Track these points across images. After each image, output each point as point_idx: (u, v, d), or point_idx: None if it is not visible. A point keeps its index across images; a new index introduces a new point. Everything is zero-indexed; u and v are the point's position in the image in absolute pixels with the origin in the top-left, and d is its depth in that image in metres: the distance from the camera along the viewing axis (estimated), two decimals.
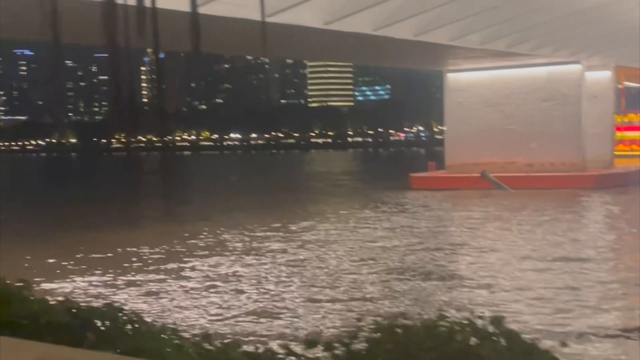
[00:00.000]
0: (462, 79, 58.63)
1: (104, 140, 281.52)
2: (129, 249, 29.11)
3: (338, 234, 33.42)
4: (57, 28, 4.51)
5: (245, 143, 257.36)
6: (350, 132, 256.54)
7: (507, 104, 57.03)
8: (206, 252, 28.53)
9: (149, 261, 26.71)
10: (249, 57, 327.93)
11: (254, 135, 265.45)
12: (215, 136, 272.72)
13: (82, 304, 4.99)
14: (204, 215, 40.86)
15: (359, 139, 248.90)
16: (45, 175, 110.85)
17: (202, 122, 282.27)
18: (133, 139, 5.74)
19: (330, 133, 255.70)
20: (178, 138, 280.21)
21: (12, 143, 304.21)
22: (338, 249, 28.96)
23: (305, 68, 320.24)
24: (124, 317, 4.73)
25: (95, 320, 4.66)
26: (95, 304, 5.08)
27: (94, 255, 27.77)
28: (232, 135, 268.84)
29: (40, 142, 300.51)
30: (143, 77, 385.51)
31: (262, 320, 17.70)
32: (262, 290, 21.52)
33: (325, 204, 48.91)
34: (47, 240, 31.62)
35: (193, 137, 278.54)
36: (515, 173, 55.03)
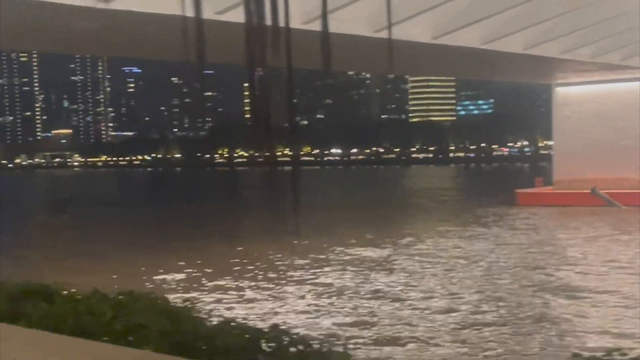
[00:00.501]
0: (571, 92, 57.02)
1: (207, 155, 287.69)
2: (278, 262, 29.77)
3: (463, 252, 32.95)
4: (203, 49, 4.54)
5: (345, 158, 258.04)
6: (452, 147, 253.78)
7: (619, 118, 54.99)
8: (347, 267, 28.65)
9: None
10: (350, 73, 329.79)
11: (354, 150, 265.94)
12: (316, 151, 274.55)
13: (246, 325, 4.95)
14: (326, 229, 40.70)
15: (461, 154, 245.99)
16: (165, 189, 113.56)
17: (303, 137, 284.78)
18: (271, 153, 5.77)
19: (431, 148, 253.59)
20: (279, 153, 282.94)
21: (120, 158, 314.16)
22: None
23: (407, 83, 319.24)
24: (288, 339, 4.61)
25: (262, 342, 4.58)
26: (259, 325, 5.02)
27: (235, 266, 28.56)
28: (332, 150, 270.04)
29: (146, 157, 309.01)
30: (245, 93, 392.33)
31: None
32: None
33: (434, 220, 48.43)
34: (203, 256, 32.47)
35: (267, 153, 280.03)
36: (628, 189, 52.99)
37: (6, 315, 5.35)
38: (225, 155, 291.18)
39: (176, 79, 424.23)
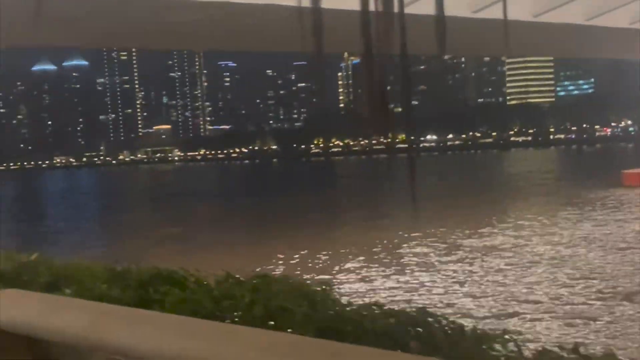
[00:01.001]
0: None
1: (303, 146, 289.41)
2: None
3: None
4: (321, 39, 4.51)
5: (441, 144, 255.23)
6: (552, 129, 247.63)
7: None
8: None
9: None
10: (445, 57, 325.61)
11: (450, 136, 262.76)
12: (412, 138, 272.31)
13: (390, 308, 4.64)
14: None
15: (562, 136, 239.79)
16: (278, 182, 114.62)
17: (397, 124, 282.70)
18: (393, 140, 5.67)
19: (530, 131, 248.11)
20: (374, 141, 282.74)
21: (218, 151, 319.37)
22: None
23: (504, 65, 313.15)
24: (437, 322, 4.21)
25: (408, 326, 4.21)
26: (400, 307, 4.70)
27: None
28: (428, 137, 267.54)
29: (243, 149, 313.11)
30: (340, 82, 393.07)
31: None
32: None
33: (542, 204, 47.23)
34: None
35: (389, 139, 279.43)
36: None
37: (138, 301, 5.35)
38: (320, 145, 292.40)
39: (270, 71, 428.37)
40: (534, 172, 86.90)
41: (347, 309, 4.43)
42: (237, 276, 5.52)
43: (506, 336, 3.90)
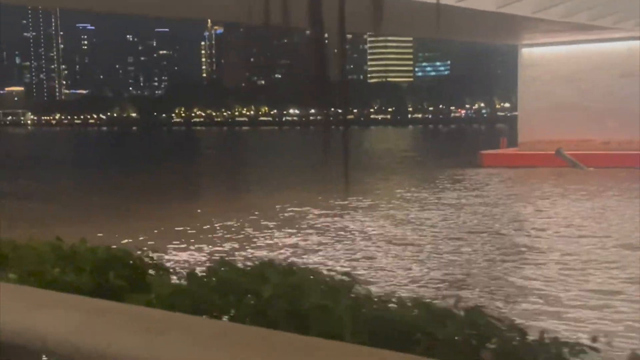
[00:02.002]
0: (537, 53, 57.05)
1: (164, 115, 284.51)
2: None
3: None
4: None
5: (303, 119, 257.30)
6: (410, 109, 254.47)
7: (584, 80, 55.24)
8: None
9: None
10: (307, 32, 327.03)
11: (312, 110, 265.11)
12: (274, 111, 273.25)
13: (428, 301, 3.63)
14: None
15: (419, 116, 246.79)
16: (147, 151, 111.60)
17: (261, 97, 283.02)
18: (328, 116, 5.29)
19: (389, 109, 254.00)
20: (237, 113, 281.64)
21: (75, 117, 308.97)
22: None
23: (365, 43, 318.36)
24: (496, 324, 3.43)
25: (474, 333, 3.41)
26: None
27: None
28: (290, 111, 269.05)
29: (102, 115, 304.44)
30: (202, 52, 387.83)
31: None
32: None
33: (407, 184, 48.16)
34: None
35: (252, 112, 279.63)
36: (592, 151, 53.44)
37: (96, 289, 4.45)
38: (182, 115, 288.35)
39: (131, 36, 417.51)
40: (393, 150, 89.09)
41: (389, 305, 3.66)
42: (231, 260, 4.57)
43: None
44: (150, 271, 4.87)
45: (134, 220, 29.69)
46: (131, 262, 4.87)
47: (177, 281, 4.62)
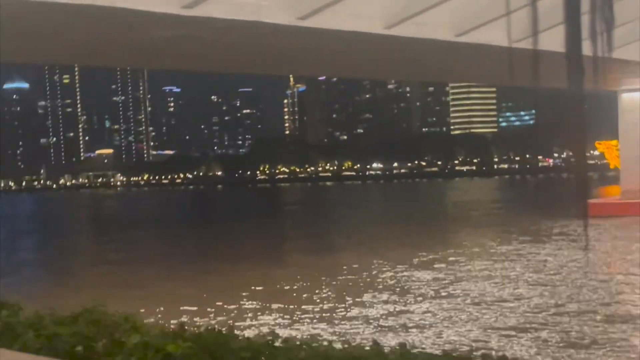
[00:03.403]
0: (638, 99, 55.03)
1: (249, 172, 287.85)
2: None
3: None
4: None
5: (387, 172, 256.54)
6: (496, 159, 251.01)
7: None
8: None
9: None
10: (390, 86, 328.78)
11: (395, 164, 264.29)
12: (357, 166, 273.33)
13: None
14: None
15: (505, 166, 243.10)
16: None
17: (343, 152, 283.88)
18: None
19: (474, 160, 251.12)
20: (320, 168, 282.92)
21: (162, 177, 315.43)
22: None
23: (447, 95, 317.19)
24: None
25: None
26: None
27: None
28: (374, 165, 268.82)
29: (188, 175, 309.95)
30: (285, 109, 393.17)
31: None
32: None
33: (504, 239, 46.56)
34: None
35: (335, 167, 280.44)
36: None
37: None
38: (266, 172, 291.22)
39: (215, 97, 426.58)
40: (481, 202, 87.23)
41: None
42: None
43: None
44: None
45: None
46: None
47: None
